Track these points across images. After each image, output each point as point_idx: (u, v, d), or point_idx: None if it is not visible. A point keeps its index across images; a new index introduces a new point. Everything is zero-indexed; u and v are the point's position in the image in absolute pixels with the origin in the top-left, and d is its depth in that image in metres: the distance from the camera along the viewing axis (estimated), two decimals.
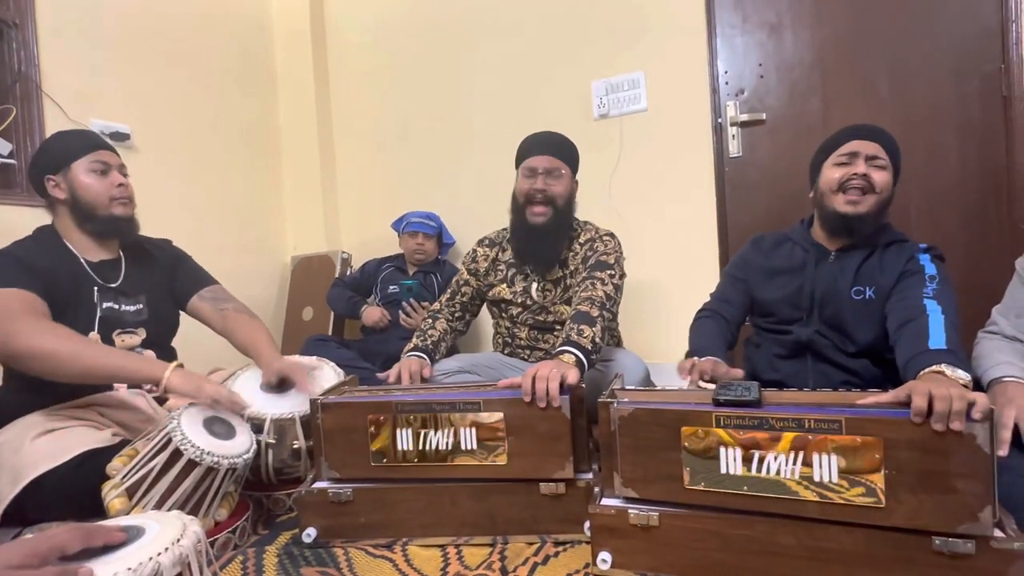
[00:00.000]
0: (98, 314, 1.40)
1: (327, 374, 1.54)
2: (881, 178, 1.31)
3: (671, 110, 2.32)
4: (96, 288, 1.41)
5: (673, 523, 1.01)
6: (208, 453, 1.12)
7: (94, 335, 1.38)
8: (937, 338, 1.10)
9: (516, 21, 2.60)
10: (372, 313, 2.38)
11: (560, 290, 1.70)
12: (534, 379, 1.15)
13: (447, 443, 1.19)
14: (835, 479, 0.91)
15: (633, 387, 1.24)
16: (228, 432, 1.22)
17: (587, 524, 1.08)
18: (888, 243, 1.36)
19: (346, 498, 1.21)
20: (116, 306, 1.43)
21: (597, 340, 1.39)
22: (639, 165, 2.39)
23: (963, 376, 1.00)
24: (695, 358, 1.28)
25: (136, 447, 1.20)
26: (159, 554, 0.73)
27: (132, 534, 0.77)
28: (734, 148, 2.26)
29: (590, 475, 1.19)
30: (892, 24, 2.05)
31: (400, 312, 2.34)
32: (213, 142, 2.71)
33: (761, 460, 0.95)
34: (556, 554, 1.14)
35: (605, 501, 1.07)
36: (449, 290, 1.84)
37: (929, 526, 0.87)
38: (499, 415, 1.16)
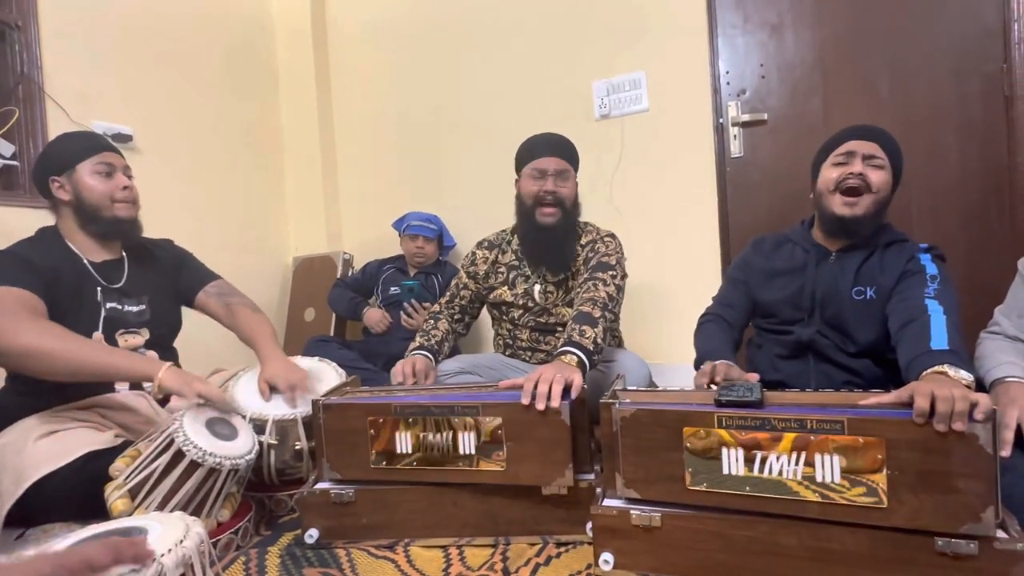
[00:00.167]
0: (102, 314, 1.41)
1: (328, 375, 1.55)
2: (878, 177, 1.31)
3: (672, 110, 2.32)
4: (99, 288, 1.42)
5: (675, 524, 1.01)
6: (210, 454, 1.13)
7: (98, 335, 1.39)
8: (939, 338, 1.10)
9: (517, 22, 2.60)
10: (373, 315, 2.38)
11: (562, 292, 1.70)
12: (536, 382, 1.15)
13: (446, 447, 1.18)
14: (837, 479, 0.91)
15: (635, 388, 1.24)
16: (230, 433, 1.23)
17: (589, 525, 1.08)
18: (888, 243, 1.35)
19: (348, 499, 1.21)
20: (119, 307, 1.44)
21: (599, 341, 1.39)
22: (640, 166, 2.39)
23: (965, 376, 1.00)
24: (714, 362, 1.28)
25: (139, 448, 1.20)
26: (162, 555, 0.74)
27: (135, 535, 0.77)
28: (735, 148, 2.26)
29: (592, 476, 1.19)
30: (893, 24, 2.05)
31: (401, 313, 2.34)
32: (215, 143, 2.71)
33: (763, 461, 0.95)
34: (558, 555, 1.14)
35: (607, 502, 1.06)
36: (448, 293, 1.84)
37: (931, 526, 0.87)
38: (498, 420, 1.15)
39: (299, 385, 1.40)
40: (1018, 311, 1.24)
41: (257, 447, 1.26)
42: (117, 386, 1.41)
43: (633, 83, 2.38)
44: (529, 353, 1.76)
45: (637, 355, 1.71)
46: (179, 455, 1.12)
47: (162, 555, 0.74)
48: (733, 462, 0.97)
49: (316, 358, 1.62)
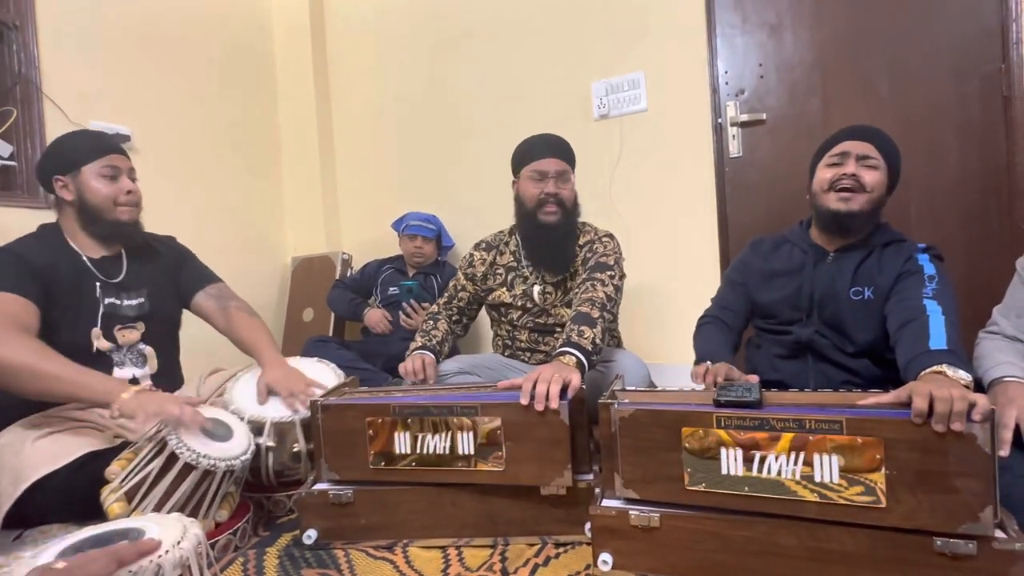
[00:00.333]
0: (101, 310, 1.41)
1: (327, 376, 1.54)
2: (872, 177, 1.31)
3: (671, 110, 2.32)
4: (98, 284, 1.42)
5: (674, 524, 1.01)
6: (204, 456, 1.12)
7: (96, 330, 1.39)
8: (938, 338, 1.10)
9: (516, 23, 2.60)
10: (374, 315, 2.38)
11: (561, 292, 1.69)
12: (535, 382, 1.15)
13: (445, 447, 1.18)
14: (836, 479, 0.91)
15: (634, 388, 1.24)
16: (225, 433, 1.22)
17: (588, 525, 1.08)
18: (886, 243, 1.36)
19: (346, 500, 1.21)
20: (117, 301, 1.44)
21: (597, 341, 1.39)
22: (639, 166, 2.39)
23: (964, 377, 1.00)
24: (708, 363, 1.28)
25: (134, 450, 1.20)
26: (160, 556, 0.73)
27: (133, 537, 0.77)
28: (734, 148, 2.26)
29: (591, 476, 1.19)
30: (892, 24, 2.05)
31: (400, 313, 2.34)
32: (213, 143, 2.71)
33: (762, 461, 0.95)
34: (557, 555, 1.14)
35: (606, 502, 1.06)
36: (446, 294, 1.84)
37: (929, 526, 0.87)
38: (497, 420, 1.15)
39: (299, 393, 1.39)
40: (1016, 311, 1.24)
41: (253, 447, 1.25)
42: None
43: (632, 83, 2.38)
44: (528, 354, 1.76)
45: (636, 355, 1.71)
46: (173, 457, 1.12)
47: (159, 556, 0.74)
48: (732, 462, 0.97)
49: (314, 359, 1.62)
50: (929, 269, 1.27)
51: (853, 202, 1.31)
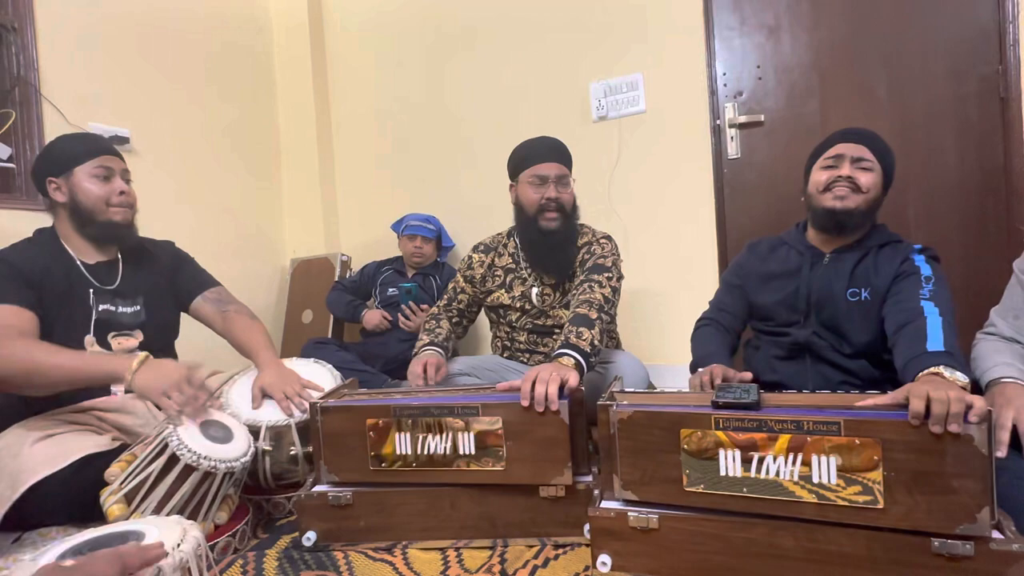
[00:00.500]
0: (94, 316, 1.40)
1: (325, 377, 1.54)
2: (867, 179, 1.33)
3: (670, 112, 2.33)
4: (92, 290, 1.41)
5: (673, 525, 1.01)
6: (205, 458, 1.12)
7: (89, 338, 1.38)
8: (935, 340, 1.11)
9: (514, 24, 2.60)
10: (372, 316, 2.38)
11: (559, 294, 1.70)
12: (533, 383, 1.15)
13: (446, 448, 1.18)
14: (833, 480, 0.91)
15: (632, 389, 1.24)
16: (225, 435, 1.22)
17: (587, 527, 1.08)
18: (882, 244, 1.36)
19: (346, 501, 1.21)
20: (113, 308, 1.43)
21: (596, 342, 1.39)
22: (638, 167, 2.40)
23: (961, 378, 1.01)
24: (711, 366, 1.29)
25: (134, 452, 1.20)
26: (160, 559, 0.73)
27: (132, 539, 0.77)
28: (732, 150, 2.26)
29: (590, 478, 1.19)
30: (889, 26, 2.05)
31: (399, 315, 2.34)
32: (212, 144, 2.71)
33: (760, 462, 0.95)
34: (556, 557, 1.14)
35: (605, 504, 1.07)
36: (446, 296, 1.84)
37: (927, 527, 0.87)
38: (498, 420, 1.16)
39: (293, 396, 1.38)
40: (1014, 312, 1.24)
41: (253, 449, 1.25)
42: (114, 388, 1.40)
43: (630, 85, 2.38)
44: (527, 355, 1.77)
45: (635, 356, 1.71)
46: (174, 459, 1.12)
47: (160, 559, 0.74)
48: (730, 463, 0.97)
49: (313, 360, 1.62)
50: (926, 270, 1.27)
51: (849, 200, 1.32)
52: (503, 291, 1.74)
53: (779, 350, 1.43)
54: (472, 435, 1.17)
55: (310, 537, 1.21)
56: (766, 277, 1.46)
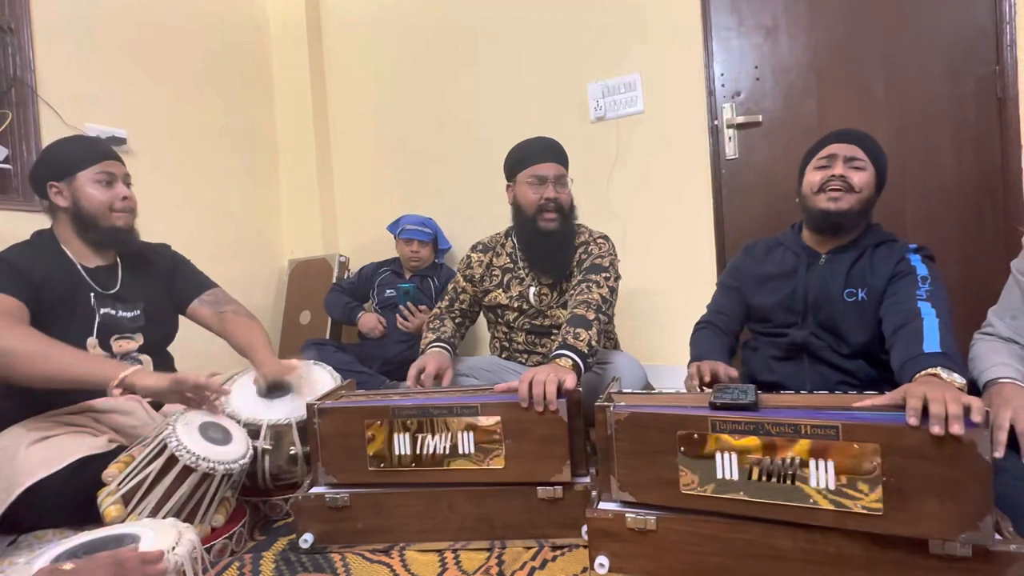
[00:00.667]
0: (96, 320, 1.40)
1: (324, 378, 1.54)
2: (860, 178, 1.33)
3: (668, 112, 2.33)
4: (93, 294, 1.41)
5: (670, 527, 1.01)
6: (204, 459, 1.12)
7: (92, 340, 1.38)
8: (931, 341, 1.11)
9: (512, 25, 2.60)
10: (368, 320, 2.38)
11: (557, 294, 1.69)
12: (531, 383, 1.15)
13: (444, 447, 1.18)
14: (832, 485, 0.90)
15: (630, 390, 1.24)
16: (224, 437, 1.22)
17: (584, 528, 1.08)
18: (877, 244, 1.37)
19: (343, 503, 1.20)
20: (113, 312, 1.43)
21: (593, 343, 1.39)
22: (636, 167, 2.40)
23: (958, 379, 1.01)
24: (702, 361, 1.30)
25: (132, 453, 1.19)
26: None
27: (127, 542, 0.77)
28: (730, 150, 2.26)
29: (587, 479, 1.19)
30: (887, 27, 2.05)
31: (397, 316, 2.33)
32: (209, 145, 2.70)
33: (757, 465, 0.95)
34: (554, 558, 1.14)
35: (602, 505, 1.06)
36: (447, 297, 1.83)
37: (928, 535, 0.86)
38: (496, 419, 1.16)
39: (293, 378, 1.41)
40: (1011, 312, 1.24)
41: (251, 451, 1.25)
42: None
43: (628, 85, 2.38)
44: (525, 356, 1.76)
45: (633, 357, 1.71)
46: (172, 460, 1.12)
47: None
48: (727, 466, 0.97)
49: (311, 361, 1.62)
50: (922, 270, 1.27)
51: (843, 201, 1.33)
52: (500, 291, 1.74)
53: (777, 351, 1.43)
54: (471, 434, 1.17)
55: (307, 539, 1.21)
56: (763, 279, 1.46)
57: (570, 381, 1.18)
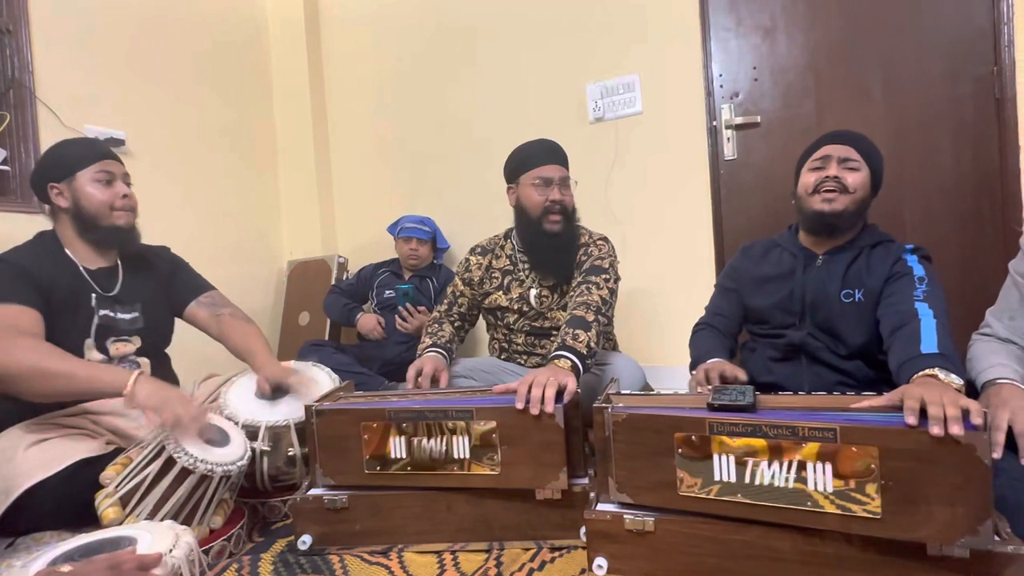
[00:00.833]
0: (95, 321, 1.40)
1: (323, 379, 1.54)
2: (854, 179, 1.33)
3: (666, 113, 2.33)
4: (94, 296, 1.41)
5: (668, 528, 1.01)
6: (202, 461, 1.12)
7: (89, 342, 1.38)
8: (929, 342, 1.11)
9: (511, 25, 2.60)
10: (367, 321, 2.37)
11: (557, 296, 1.69)
12: (531, 386, 1.15)
13: (440, 451, 1.18)
14: (830, 487, 0.90)
15: (628, 391, 1.24)
16: (222, 439, 1.22)
17: (583, 530, 1.08)
18: (874, 244, 1.37)
19: (341, 505, 1.20)
20: (112, 314, 1.43)
21: (592, 344, 1.39)
22: (634, 168, 2.40)
23: (956, 380, 1.01)
24: (710, 362, 1.30)
25: (130, 455, 1.19)
26: None
27: (124, 545, 0.77)
28: (729, 151, 2.26)
29: (586, 480, 1.19)
30: (885, 27, 2.06)
31: (396, 317, 2.33)
32: (208, 146, 2.70)
33: (755, 467, 0.95)
34: (552, 560, 1.14)
35: (600, 507, 1.06)
36: (446, 300, 1.83)
37: (928, 539, 0.86)
38: (492, 424, 1.16)
39: (293, 381, 1.40)
40: (1009, 313, 1.24)
41: (249, 453, 1.25)
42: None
43: (627, 86, 2.38)
44: (524, 357, 1.76)
45: (632, 358, 1.71)
46: (170, 462, 1.12)
47: None
48: (725, 468, 0.97)
49: (310, 363, 1.62)
50: (919, 271, 1.28)
51: (837, 202, 1.33)
52: (500, 293, 1.74)
53: (775, 352, 1.43)
54: (467, 439, 1.17)
55: (305, 541, 1.21)
56: (760, 280, 1.46)
57: (572, 385, 1.18)
